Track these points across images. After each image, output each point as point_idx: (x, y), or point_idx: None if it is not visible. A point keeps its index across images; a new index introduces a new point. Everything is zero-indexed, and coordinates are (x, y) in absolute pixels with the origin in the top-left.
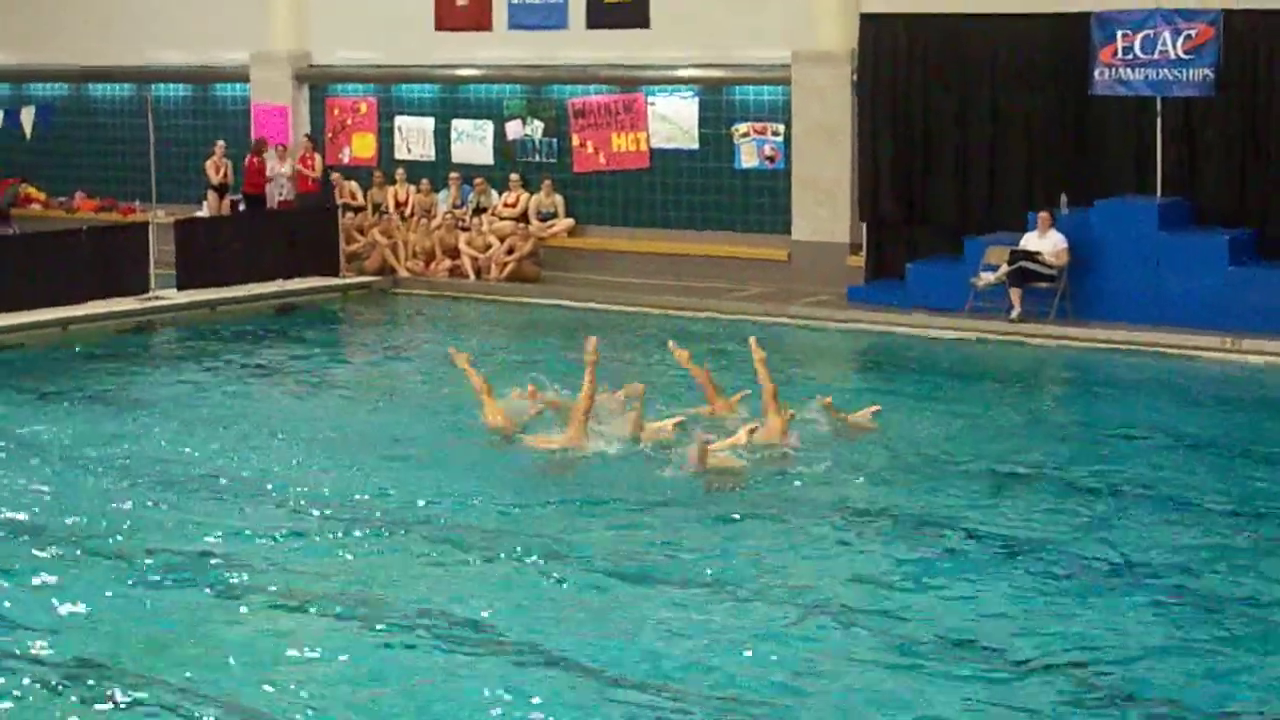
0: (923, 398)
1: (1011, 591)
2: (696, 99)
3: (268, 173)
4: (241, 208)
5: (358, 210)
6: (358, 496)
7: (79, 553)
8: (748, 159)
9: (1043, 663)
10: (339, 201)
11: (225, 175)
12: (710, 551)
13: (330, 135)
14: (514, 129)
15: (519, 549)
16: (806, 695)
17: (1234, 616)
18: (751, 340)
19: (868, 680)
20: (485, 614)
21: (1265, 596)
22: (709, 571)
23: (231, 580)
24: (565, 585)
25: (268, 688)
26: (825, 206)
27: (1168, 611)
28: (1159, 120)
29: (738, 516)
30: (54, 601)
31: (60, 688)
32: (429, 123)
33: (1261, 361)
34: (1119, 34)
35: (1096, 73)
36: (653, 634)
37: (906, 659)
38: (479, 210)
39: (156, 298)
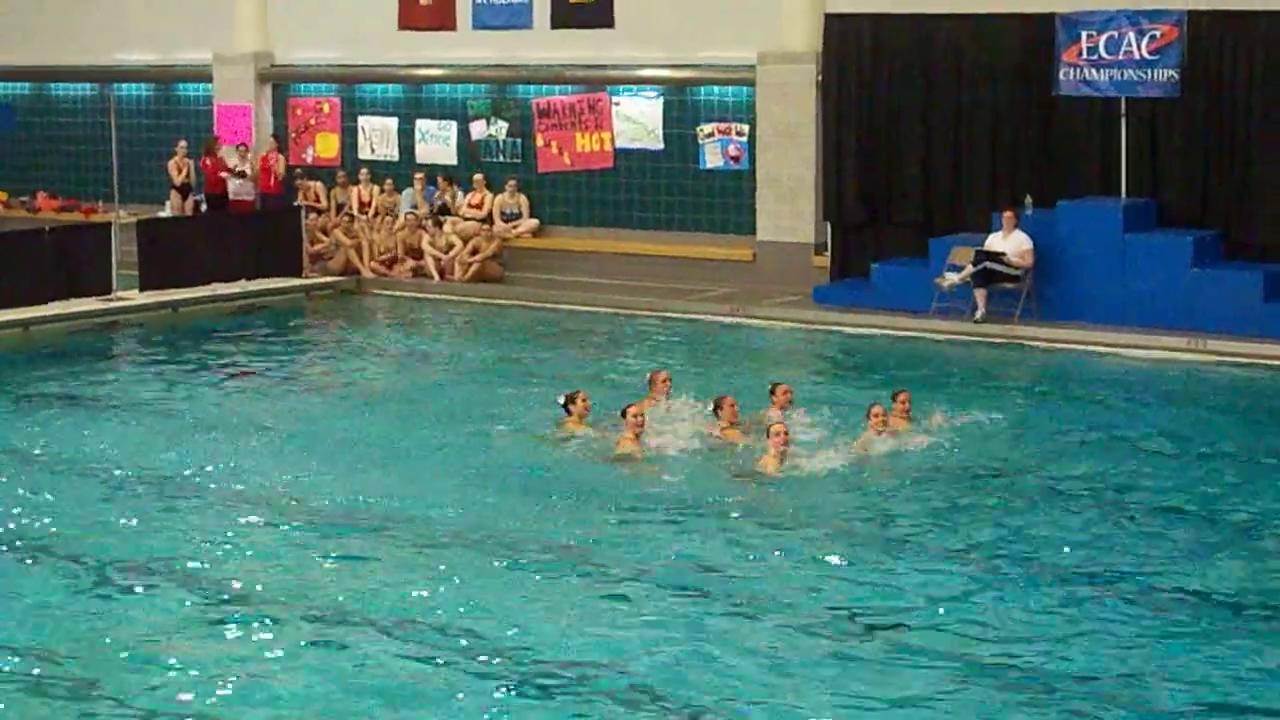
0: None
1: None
2: (661, 99)
3: (223, 171)
4: (204, 209)
5: (321, 211)
6: (319, 497)
7: (32, 554)
8: (712, 159)
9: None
10: (301, 202)
11: (188, 175)
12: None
13: (293, 135)
14: (478, 129)
15: (489, 548)
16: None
17: (1197, 615)
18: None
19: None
20: (451, 617)
21: (1220, 592)
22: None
23: (188, 584)
24: (546, 587)
25: (223, 692)
26: (790, 206)
27: (1116, 607)
28: (1123, 121)
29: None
30: (4, 605)
31: (13, 694)
32: (392, 123)
33: (1225, 362)
34: (1084, 34)
35: (1061, 73)
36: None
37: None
38: (443, 211)
39: (119, 298)
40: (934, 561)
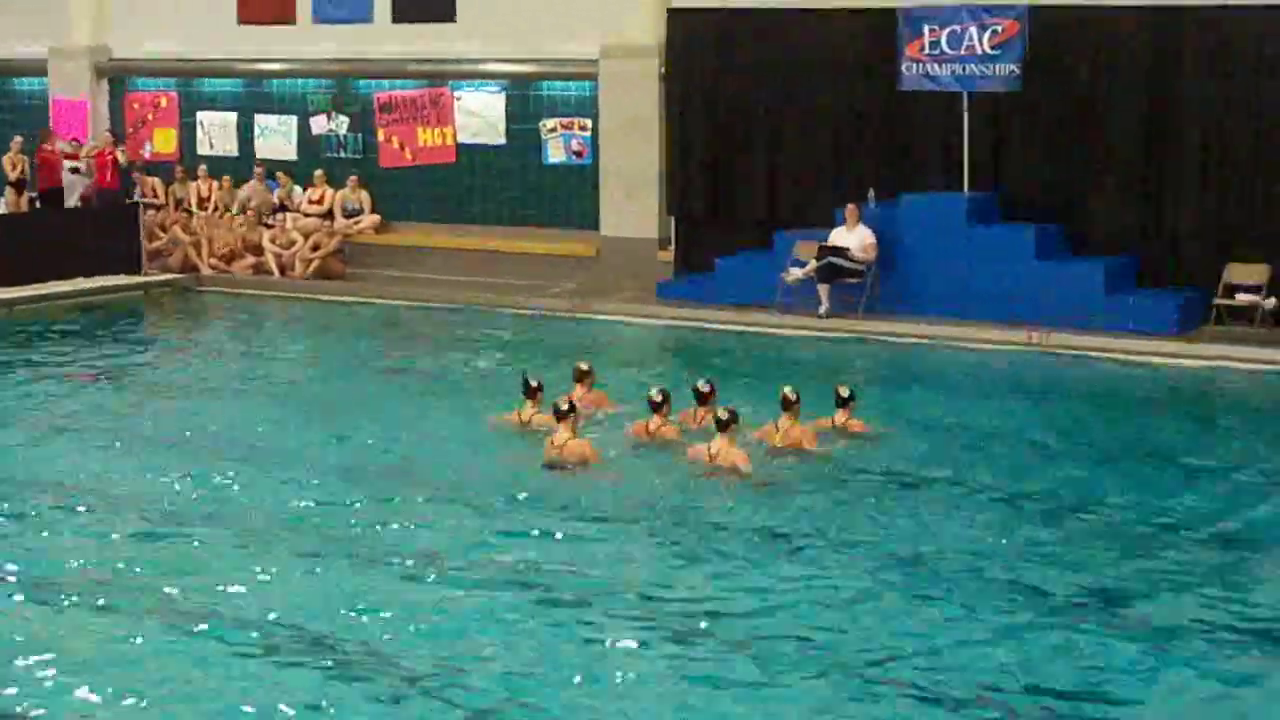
0: (729, 396)
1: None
2: (503, 94)
3: (60, 165)
4: (37, 205)
5: (159, 207)
6: (160, 496)
7: None
8: (555, 154)
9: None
10: (140, 198)
11: (22, 172)
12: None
13: (131, 130)
14: (319, 124)
15: (351, 548)
16: None
17: (1031, 606)
18: None
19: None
20: (316, 621)
21: (1058, 585)
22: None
23: (35, 588)
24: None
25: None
26: (634, 201)
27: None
28: (966, 115)
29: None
30: None
31: None
32: (232, 117)
33: (1067, 355)
34: (926, 29)
35: (904, 68)
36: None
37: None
38: (281, 208)
39: None
40: (820, 567)
